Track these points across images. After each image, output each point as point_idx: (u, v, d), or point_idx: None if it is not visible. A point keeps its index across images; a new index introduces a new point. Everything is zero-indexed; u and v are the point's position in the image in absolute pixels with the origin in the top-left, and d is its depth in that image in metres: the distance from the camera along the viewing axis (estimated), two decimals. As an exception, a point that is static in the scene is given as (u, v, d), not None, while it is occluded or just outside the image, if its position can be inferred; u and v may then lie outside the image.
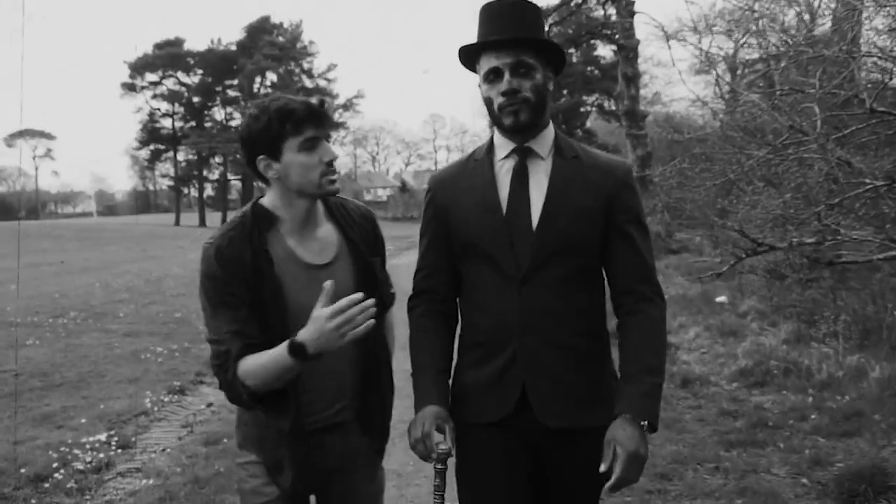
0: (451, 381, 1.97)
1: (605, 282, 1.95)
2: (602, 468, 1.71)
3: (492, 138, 1.98)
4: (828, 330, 6.40)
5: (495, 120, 1.88)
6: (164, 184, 76.16)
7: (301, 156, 1.82)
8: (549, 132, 1.93)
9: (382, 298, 1.98)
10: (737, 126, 9.10)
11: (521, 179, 1.89)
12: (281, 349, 1.71)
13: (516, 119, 1.83)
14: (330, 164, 1.85)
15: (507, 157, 1.92)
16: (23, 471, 4.45)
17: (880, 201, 6.14)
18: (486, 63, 1.84)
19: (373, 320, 1.67)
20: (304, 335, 1.68)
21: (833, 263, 7.12)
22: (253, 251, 1.83)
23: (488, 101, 1.86)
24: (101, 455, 4.80)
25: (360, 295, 1.67)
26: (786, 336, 7.01)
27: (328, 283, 1.71)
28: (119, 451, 4.93)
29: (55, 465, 4.57)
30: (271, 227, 1.89)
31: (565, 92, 43.73)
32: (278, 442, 1.88)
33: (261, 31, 61.10)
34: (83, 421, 5.50)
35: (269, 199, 1.93)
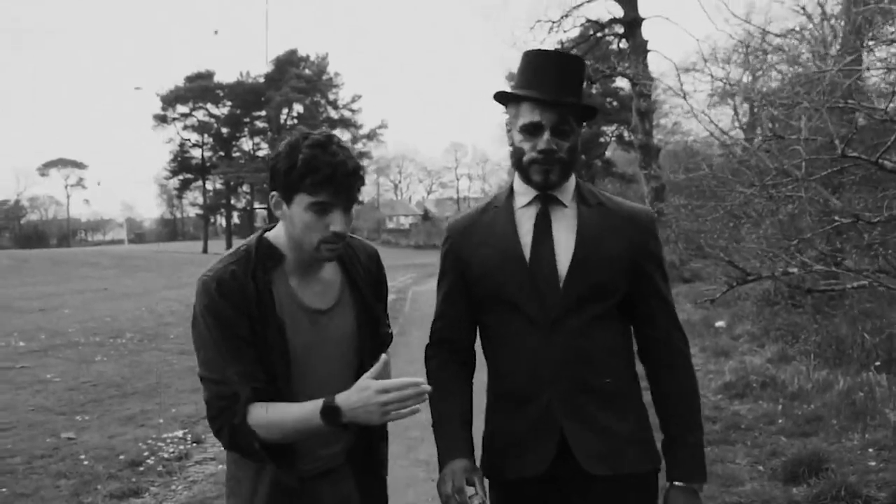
0: (482, 434, 1.95)
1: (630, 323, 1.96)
2: None
3: (511, 185, 1.95)
4: (803, 349, 7.27)
5: (522, 172, 1.86)
6: (192, 212, 78.25)
7: (308, 215, 1.70)
8: (572, 179, 1.91)
9: (382, 339, 1.96)
10: (733, 164, 10.02)
11: (543, 227, 1.85)
12: (311, 407, 1.63)
13: (546, 178, 1.81)
14: (337, 235, 1.72)
15: (528, 204, 1.89)
16: (121, 457, 5.46)
17: (844, 237, 7.04)
18: (528, 115, 1.80)
19: (419, 407, 1.61)
20: (343, 401, 1.61)
21: (811, 291, 7.98)
22: (256, 288, 1.73)
23: (519, 153, 1.83)
24: (181, 447, 5.79)
25: (417, 380, 1.60)
26: (770, 356, 7.88)
27: (385, 357, 1.66)
28: (194, 444, 5.91)
29: (145, 453, 5.57)
30: (276, 266, 1.79)
31: (584, 123, 44.79)
32: (276, 496, 1.78)
33: (288, 63, 63.08)
34: (161, 421, 6.51)
35: (275, 234, 1.83)
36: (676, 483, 1.83)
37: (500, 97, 1.90)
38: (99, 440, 5.92)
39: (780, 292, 8.93)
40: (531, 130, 1.80)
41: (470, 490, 1.77)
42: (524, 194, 1.91)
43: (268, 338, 1.72)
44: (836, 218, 7.46)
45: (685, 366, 1.90)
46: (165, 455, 5.60)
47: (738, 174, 9.97)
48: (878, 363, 6.53)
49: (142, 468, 5.30)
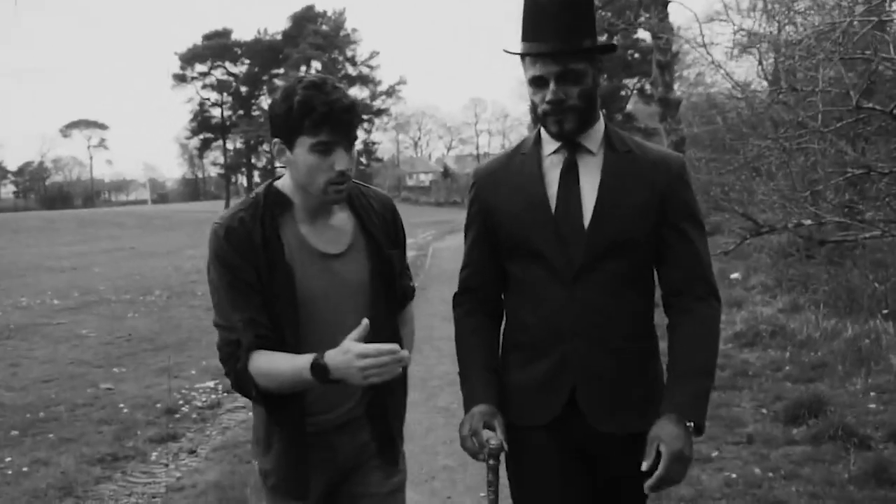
0: None
1: (656, 281, 1.88)
2: (644, 467, 1.67)
3: (539, 131, 1.89)
4: (813, 299, 7.42)
5: (541, 123, 1.82)
6: (214, 171, 78.83)
7: (312, 157, 1.71)
8: (600, 126, 1.83)
9: (404, 291, 1.98)
10: (750, 116, 10.04)
11: (570, 175, 1.80)
12: (302, 362, 1.64)
13: (560, 128, 1.75)
14: (342, 174, 1.73)
15: (555, 151, 1.83)
16: (158, 406, 5.80)
17: (858, 188, 7.11)
18: (530, 69, 1.75)
19: (399, 369, 1.61)
20: (330, 359, 1.61)
21: (824, 242, 8.08)
22: (264, 235, 1.74)
23: (533, 105, 1.79)
24: (213, 396, 6.13)
25: (395, 346, 1.60)
26: (782, 306, 8.04)
27: (365, 322, 1.65)
28: (225, 394, 6.24)
29: (180, 402, 5.91)
30: (284, 212, 1.80)
31: (605, 76, 44.36)
32: (286, 447, 1.82)
33: (305, 20, 62.75)
34: (193, 372, 6.85)
35: (283, 182, 1.85)
36: (667, 414, 1.70)
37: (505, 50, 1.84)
38: (136, 390, 6.27)
39: (794, 244, 9.03)
40: (537, 83, 1.75)
41: (488, 433, 1.75)
42: (551, 142, 1.84)
43: (275, 283, 1.73)
44: (849, 169, 7.55)
45: (708, 313, 1.80)
46: (199, 403, 5.93)
47: (756, 126, 10.02)
48: (885, 311, 6.67)
49: (177, 415, 5.63)
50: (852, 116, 8.30)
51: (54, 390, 6.25)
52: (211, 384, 6.47)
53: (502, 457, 1.77)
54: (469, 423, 1.79)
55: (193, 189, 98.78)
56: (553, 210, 1.78)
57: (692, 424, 1.70)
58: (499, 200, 1.86)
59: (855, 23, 8.11)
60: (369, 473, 1.91)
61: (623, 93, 48.30)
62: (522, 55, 1.76)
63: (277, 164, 1.83)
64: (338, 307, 1.80)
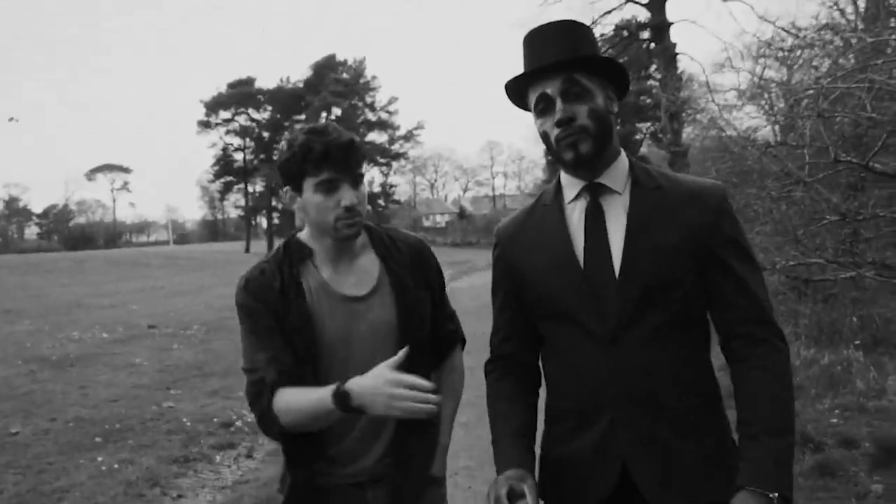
0: (539, 455, 1.77)
1: (712, 329, 1.69)
2: None
3: (558, 179, 1.76)
4: (795, 331, 8.22)
5: (556, 157, 1.66)
6: (234, 213, 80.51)
7: (318, 196, 1.76)
8: (623, 162, 1.69)
9: (446, 337, 1.99)
10: (745, 165, 10.93)
11: (596, 222, 1.65)
12: (325, 391, 1.64)
13: (576, 152, 1.59)
14: (349, 209, 1.76)
15: (576, 197, 1.69)
16: (215, 420, 6.67)
17: (832, 233, 7.96)
18: (534, 92, 1.63)
19: (433, 407, 1.56)
20: (354, 386, 1.61)
21: (808, 281, 8.91)
22: (283, 282, 1.79)
23: (545, 137, 1.64)
24: (261, 414, 6.99)
25: (432, 386, 1.57)
26: (772, 339, 8.83)
27: (404, 350, 1.63)
28: (271, 412, 7.10)
29: (233, 417, 6.77)
30: (305, 260, 1.85)
31: (619, 121, 45.49)
32: (309, 499, 1.82)
33: (327, 68, 64.70)
34: (240, 394, 7.68)
35: (303, 233, 1.91)
36: (746, 487, 1.48)
37: (511, 94, 1.72)
38: (193, 408, 7.15)
39: (784, 283, 9.84)
40: (544, 106, 1.63)
41: (519, 502, 1.57)
42: (571, 186, 1.70)
43: (294, 327, 1.76)
44: (826, 216, 8.41)
45: (773, 358, 1.58)
46: (249, 419, 6.78)
47: (749, 174, 10.90)
48: (857, 342, 7.46)
49: (232, 428, 6.49)
50: (832, 168, 9.20)
51: (123, 408, 7.14)
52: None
53: None
54: (493, 492, 1.58)
55: (213, 230, 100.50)
56: (582, 265, 1.63)
57: (776, 496, 1.46)
58: (524, 261, 1.73)
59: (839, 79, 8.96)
60: None
61: (637, 137, 49.36)
62: (524, 77, 1.65)
63: (295, 212, 1.89)
64: (364, 349, 1.79)
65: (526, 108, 1.72)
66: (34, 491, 4.80)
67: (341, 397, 1.61)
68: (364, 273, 1.87)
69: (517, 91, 1.71)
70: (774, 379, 1.56)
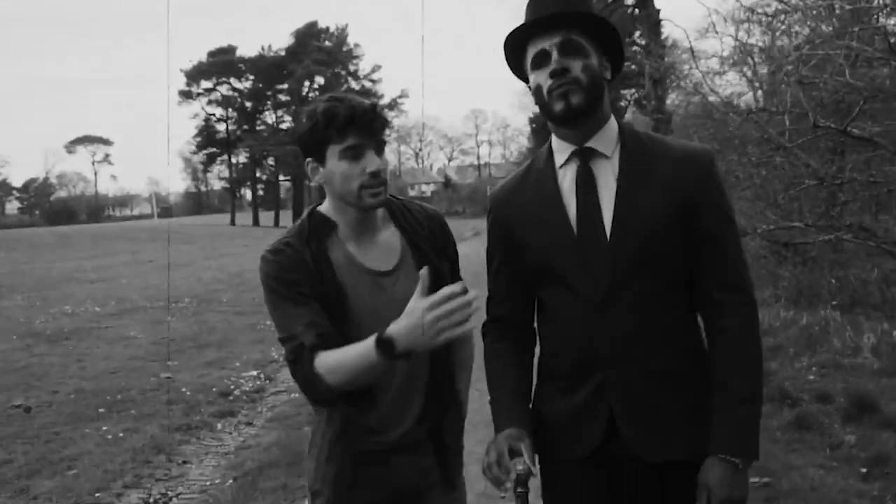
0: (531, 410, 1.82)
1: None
2: None
3: (549, 143, 1.79)
4: (775, 294, 8.48)
5: (546, 111, 1.67)
6: (218, 185, 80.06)
7: (343, 164, 1.74)
8: (612, 126, 1.71)
9: None
10: (727, 131, 11.10)
11: (587, 186, 1.68)
12: (367, 344, 1.62)
13: (567, 103, 1.61)
14: (375, 175, 1.74)
15: (567, 162, 1.72)
16: (213, 390, 6.85)
17: (810, 197, 8.19)
18: (533, 48, 1.66)
19: (472, 322, 1.55)
20: (394, 330, 1.59)
21: (787, 244, 9.17)
22: (313, 255, 1.78)
23: (537, 91, 1.66)
24: (258, 382, 7.18)
25: (461, 285, 1.57)
26: (752, 301, 9.09)
27: (424, 271, 1.61)
28: (268, 381, 7.29)
29: (231, 387, 6.95)
30: (330, 234, 1.83)
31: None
32: (347, 466, 1.82)
33: (308, 36, 64.03)
34: (237, 364, 7.91)
35: (325, 206, 1.88)
36: (715, 455, 1.60)
37: (508, 52, 1.74)
38: (191, 378, 7.32)
39: (765, 247, 10.09)
40: (539, 61, 1.65)
41: (515, 459, 1.62)
42: (561, 150, 1.73)
43: (327, 301, 1.75)
44: (805, 181, 8.62)
45: (746, 330, 1.65)
46: (247, 388, 6.98)
47: (731, 140, 11.08)
48: (834, 303, 7.72)
49: (231, 397, 6.67)
50: (811, 134, 9.41)
51: (122, 379, 7.29)
52: (254, 373, 7.51)
53: (532, 483, 1.62)
54: (493, 450, 1.65)
55: (197, 203, 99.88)
56: (575, 230, 1.67)
57: (739, 461, 1.59)
58: (519, 225, 1.76)
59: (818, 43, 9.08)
60: (429, 495, 1.88)
61: (621, 103, 49.40)
62: (525, 29, 1.67)
63: (312, 183, 1.88)
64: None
65: (520, 73, 1.75)
66: (44, 460, 4.96)
67: (386, 345, 1.59)
68: (387, 247, 1.87)
69: (516, 50, 1.72)
70: (745, 349, 1.65)
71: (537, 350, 1.88)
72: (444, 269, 1.89)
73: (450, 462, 1.92)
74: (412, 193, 71.65)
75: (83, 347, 9.09)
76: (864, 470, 4.01)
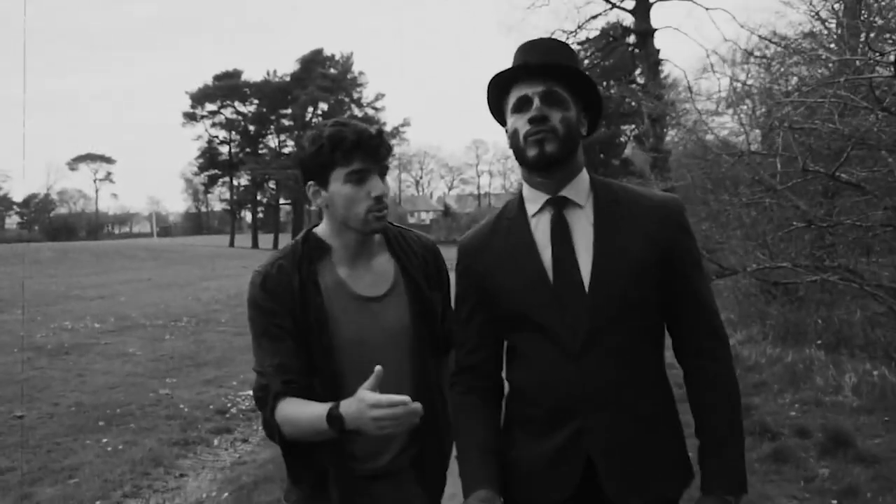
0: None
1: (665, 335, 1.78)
2: None
3: (520, 193, 1.80)
4: (762, 331, 8.68)
5: (519, 156, 1.70)
6: (218, 206, 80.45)
7: (347, 187, 1.75)
8: (584, 176, 1.75)
9: (447, 336, 1.91)
10: (720, 172, 11.37)
11: (562, 236, 1.70)
12: (320, 412, 1.62)
13: (541, 150, 1.65)
14: (379, 199, 1.76)
15: (540, 211, 1.74)
16: (210, 407, 7.01)
17: (799, 238, 8.41)
18: (516, 94, 1.69)
19: (416, 420, 1.57)
20: (345, 409, 1.59)
21: (777, 284, 9.37)
22: (301, 280, 1.77)
23: (514, 135, 1.70)
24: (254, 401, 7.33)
25: (407, 398, 1.55)
26: (741, 337, 9.28)
27: (378, 369, 1.60)
28: (264, 401, 7.44)
29: (228, 405, 7.11)
30: (323, 257, 1.83)
31: (603, 122, 46.19)
32: (334, 492, 1.80)
33: (314, 63, 64.82)
34: (234, 383, 8.06)
35: (321, 228, 1.88)
36: (709, 496, 1.65)
37: (491, 96, 1.78)
38: (189, 396, 7.47)
39: (755, 285, 10.30)
40: (520, 106, 1.69)
41: None
42: (534, 200, 1.75)
43: (309, 329, 1.75)
44: (794, 223, 8.86)
45: (725, 374, 1.72)
46: (243, 407, 7.13)
47: (723, 181, 11.35)
48: (819, 342, 7.92)
49: (227, 415, 6.83)
50: (801, 177, 9.67)
51: (122, 394, 7.45)
52: (251, 392, 7.66)
53: None
54: None
55: (196, 223, 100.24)
56: (551, 279, 1.68)
57: (733, 499, 1.65)
58: (492, 274, 1.76)
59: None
60: None
61: (621, 139, 49.87)
62: (510, 72, 1.71)
63: (312, 207, 1.87)
64: (379, 351, 1.78)
65: (498, 114, 1.79)
66: (45, 469, 5.12)
67: (336, 421, 1.61)
68: (380, 273, 1.87)
69: (499, 92, 1.75)
70: (728, 392, 1.71)
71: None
72: (435, 299, 1.91)
73: (432, 490, 1.92)
74: (412, 221, 72.00)
75: (83, 362, 9.25)
76: (834, 502, 4.19)
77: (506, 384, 1.86)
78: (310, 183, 1.82)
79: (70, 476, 4.99)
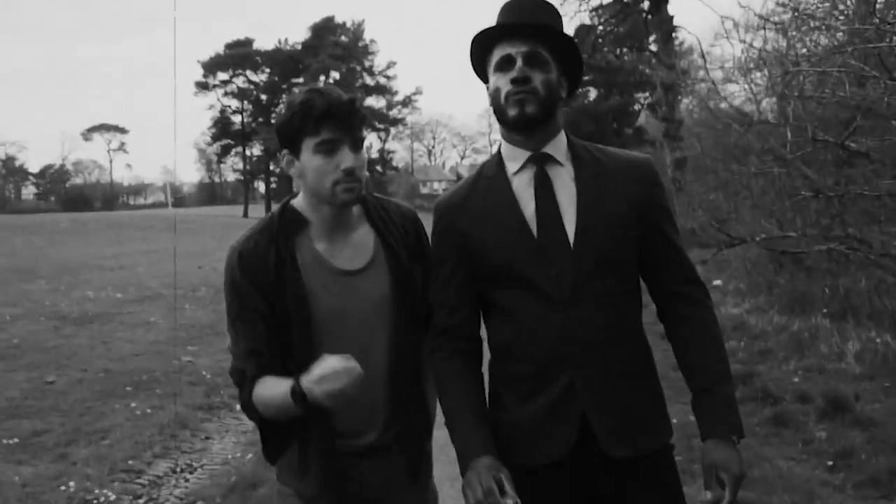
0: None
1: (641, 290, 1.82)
2: (709, 497, 1.60)
3: (499, 152, 1.83)
4: (769, 300, 8.82)
5: (500, 114, 1.73)
6: (231, 176, 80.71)
7: (317, 158, 1.71)
8: (562, 136, 1.78)
9: (427, 313, 1.85)
10: (731, 141, 11.43)
11: (546, 190, 1.73)
12: (286, 388, 1.62)
13: (521, 110, 1.68)
14: (350, 172, 1.71)
15: (522, 168, 1.76)
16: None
17: (807, 208, 8.52)
18: (499, 52, 1.71)
19: (356, 375, 1.57)
20: (305, 383, 1.59)
21: (784, 253, 9.49)
22: (278, 256, 1.74)
23: (495, 93, 1.73)
24: (274, 369, 7.60)
25: (338, 363, 1.57)
26: (749, 307, 9.43)
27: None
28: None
29: (249, 372, 7.38)
30: (300, 231, 1.80)
31: (615, 91, 45.84)
32: (315, 467, 1.80)
33: (325, 30, 64.46)
34: (254, 351, 8.32)
35: (299, 201, 1.84)
36: (714, 437, 1.66)
37: (474, 53, 1.81)
38: (211, 363, 7.75)
39: (764, 255, 10.42)
40: (503, 65, 1.71)
41: (509, 497, 1.57)
42: (515, 159, 1.77)
43: (287, 307, 1.73)
44: (802, 192, 8.95)
45: (708, 316, 1.77)
46: (263, 373, 7.40)
47: (732, 150, 11.42)
48: (825, 310, 8.06)
49: (247, 383, 7.09)
50: (810, 146, 9.74)
51: (146, 361, 7.74)
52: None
53: None
54: (479, 485, 1.59)
55: (210, 193, 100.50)
56: (535, 233, 1.70)
57: (736, 438, 1.67)
58: (473, 231, 1.76)
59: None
60: (398, 499, 1.89)
61: (634, 107, 49.49)
62: (494, 31, 1.74)
63: (292, 174, 1.81)
64: (361, 324, 1.78)
65: (481, 72, 1.82)
66: (79, 431, 5.40)
67: (298, 396, 1.61)
68: (359, 246, 1.84)
69: (482, 50, 1.77)
70: (712, 335, 1.76)
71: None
72: (416, 271, 1.87)
73: (418, 466, 1.91)
74: (424, 191, 72.03)
75: (107, 331, 9.55)
76: (830, 463, 4.38)
77: (486, 351, 1.86)
78: (284, 151, 1.80)
79: (103, 437, 5.26)
